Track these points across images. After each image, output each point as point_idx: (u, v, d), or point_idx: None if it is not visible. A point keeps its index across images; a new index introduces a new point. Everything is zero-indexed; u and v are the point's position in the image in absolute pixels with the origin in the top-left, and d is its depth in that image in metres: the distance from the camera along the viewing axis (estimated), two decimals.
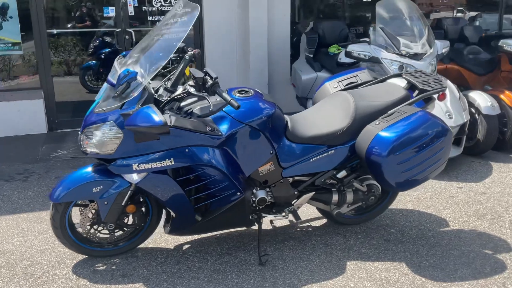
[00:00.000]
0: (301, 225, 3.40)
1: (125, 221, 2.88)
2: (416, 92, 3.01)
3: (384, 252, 3.04)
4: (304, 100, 5.92)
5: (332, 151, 2.91)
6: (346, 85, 3.28)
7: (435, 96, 3.10)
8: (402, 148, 2.68)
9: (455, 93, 4.52)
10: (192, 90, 2.53)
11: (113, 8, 6.16)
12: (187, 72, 2.87)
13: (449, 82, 4.68)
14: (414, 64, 4.59)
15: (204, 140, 2.51)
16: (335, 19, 7.55)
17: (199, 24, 6.43)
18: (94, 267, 2.88)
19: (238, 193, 2.69)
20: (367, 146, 2.74)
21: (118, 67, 2.60)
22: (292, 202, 2.99)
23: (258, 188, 2.87)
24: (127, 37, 6.20)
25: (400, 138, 2.68)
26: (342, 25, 6.27)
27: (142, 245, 3.09)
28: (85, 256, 2.96)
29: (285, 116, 2.96)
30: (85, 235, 2.87)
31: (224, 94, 2.48)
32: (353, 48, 4.76)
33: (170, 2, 6.34)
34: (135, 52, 2.70)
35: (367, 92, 3.08)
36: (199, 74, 2.52)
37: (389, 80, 3.26)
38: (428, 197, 3.89)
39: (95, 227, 2.84)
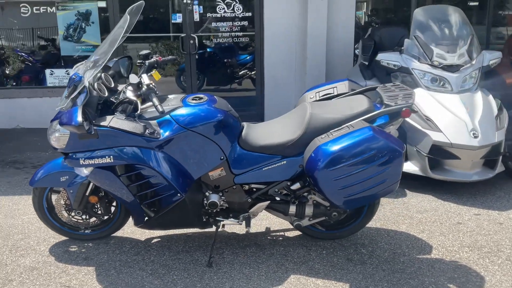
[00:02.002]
0: (273, 234, 3.39)
1: (95, 210, 3.18)
2: (383, 106, 2.83)
3: (337, 271, 2.91)
4: None
5: (285, 162, 2.88)
6: (322, 96, 3.19)
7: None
8: (338, 164, 2.56)
9: (491, 110, 4.06)
10: (128, 93, 2.73)
11: (180, 14, 6.61)
12: (156, 77, 3.07)
13: (490, 97, 4.21)
14: (447, 77, 4.23)
15: (139, 141, 2.69)
16: (397, 24, 7.14)
17: (260, 30, 6.60)
18: (68, 247, 3.23)
19: (178, 194, 2.81)
20: (308, 158, 2.67)
21: (73, 70, 2.90)
22: (247, 209, 3.02)
23: (211, 192, 2.97)
24: (191, 41, 6.60)
25: (337, 153, 2.56)
26: (403, 31, 5.91)
27: (119, 234, 3.38)
28: (67, 238, 3.33)
29: (244, 123, 3.00)
30: (63, 219, 3.23)
31: (154, 99, 2.63)
32: (382, 57, 4.53)
33: (233, 9, 6.61)
34: (93, 55, 2.97)
35: (332, 104, 2.98)
36: (134, 80, 2.71)
37: (367, 93, 3.09)
38: (431, 221, 3.58)
39: (69, 212, 3.19)
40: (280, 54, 6.58)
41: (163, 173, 2.76)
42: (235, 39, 6.83)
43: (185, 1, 6.49)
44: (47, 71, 6.82)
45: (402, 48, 4.62)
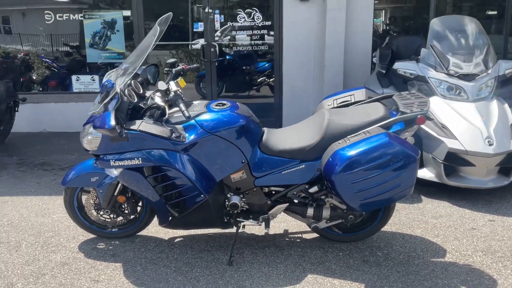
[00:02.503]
0: (291, 235, 3.52)
1: (122, 209, 3.35)
2: (398, 114, 2.95)
3: (353, 272, 3.02)
4: None
5: (303, 166, 3.01)
6: (340, 103, 3.32)
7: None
8: (355, 168, 2.69)
9: (506, 119, 4.13)
10: (156, 99, 2.90)
11: (202, 23, 6.81)
12: (181, 84, 3.24)
13: (506, 106, 4.29)
14: (463, 85, 4.32)
15: (166, 144, 2.85)
16: (414, 34, 7.22)
17: (278, 38, 6.76)
18: (96, 245, 3.41)
19: (202, 195, 2.96)
20: (325, 162, 2.80)
21: (105, 77, 3.08)
22: (267, 211, 3.15)
23: (232, 194, 3.11)
24: (212, 49, 6.79)
25: (354, 158, 2.69)
26: (420, 41, 6.01)
27: (144, 233, 3.55)
28: (95, 236, 3.51)
29: (264, 128, 3.15)
30: (92, 218, 3.41)
31: (181, 105, 2.80)
32: (399, 65, 4.64)
33: (253, 18, 6.78)
34: (123, 63, 3.15)
35: (349, 111, 3.11)
36: (162, 86, 2.89)
37: (384, 101, 3.22)
38: (446, 226, 3.67)
39: (97, 211, 3.36)
40: (299, 62, 6.72)
41: (187, 175, 2.92)
42: (254, 47, 7.00)
43: (206, 10, 6.68)
44: (73, 77, 7.08)
45: (419, 57, 4.72)
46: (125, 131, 2.77)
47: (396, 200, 2.93)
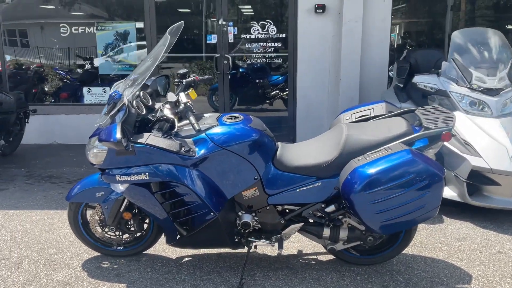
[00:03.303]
0: (306, 257, 3.33)
1: (128, 227, 3.19)
2: (422, 129, 2.77)
3: None
4: None
5: (319, 183, 2.84)
6: (358, 117, 3.15)
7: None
8: (376, 187, 2.50)
9: None
10: (166, 111, 2.76)
11: (215, 35, 6.71)
12: (192, 96, 3.11)
13: None
14: (487, 100, 4.13)
15: (175, 159, 2.70)
16: (432, 47, 7.04)
17: (293, 51, 6.63)
18: (100, 263, 3.25)
19: (212, 214, 2.80)
20: (344, 180, 2.62)
21: (113, 88, 2.95)
22: (280, 231, 2.97)
23: (244, 212, 2.94)
24: (225, 62, 6.68)
25: (374, 176, 2.51)
26: (439, 54, 5.83)
27: (151, 251, 3.38)
28: (99, 254, 3.35)
29: (279, 143, 2.98)
30: (97, 235, 3.26)
31: (191, 118, 2.65)
32: (419, 79, 4.46)
33: (267, 30, 6.67)
34: (132, 74, 3.02)
35: (369, 126, 2.93)
36: (172, 98, 2.74)
37: (405, 115, 3.04)
38: (470, 249, 3.45)
39: (102, 228, 3.21)
40: (313, 75, 6.58)
41: (197, 192, 2.76)
42: (268, 60, 6.87)
43: (220, 22, 6.59)
44: (85, 89, 7.02)
45: (440, 70, 4.54)
46: (132, 145, 2.63)
47: (419, 223, 2.73)
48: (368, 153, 2.67)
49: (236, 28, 6.68)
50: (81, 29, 6.97)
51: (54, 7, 7.10)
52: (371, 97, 6.47)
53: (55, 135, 6.88)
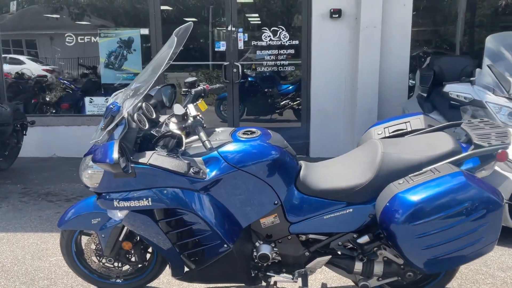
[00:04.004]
0: None
1: (129, 257, 2.79)
2: (472, 147, 2.35)
3: None
4: None
5: (351, 210, 2.42)
6: (392, 132, 2.74)
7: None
8: (424, 217, 2.09)
9: None
10: (171, 126, 2.36)
11: (224, 42, 6.34)
12: (202, 107, 2.71)
13: None
14: None
15: (182, 182, 2.30)
16: (459, 54, 6.63)
17: (307, 59, 6.25)
18: None
19: (225, 245, 2.39)
20: (382, 208, 2.21)
21: (111, 99, 2.56)
22: (304, 264, 2.56)
23: (262, 242, 2.53)
24: (234, 70, 6.30)
25: (422, 204, 2.09)
26: (466, 61, 5.43)
27: (154, 284, 2.98)
28: (96, 287, 2.95)
29: (302, 162, 2.58)
30: (93, 266, 2.86)
31: (201, 134, 2.25)
32: (451, 88, 4.06)
33: (279, 37, 6.29)
34: (133, 83, 2.63)
35: (408, 143, 2.52)
36: (179, 111, 2.34)
37: (446, 130, 2.63)
38: None
39: (99, 258, 2.81)
40: (328, 85, 6.19)
41: (208, 220, 2.35)
42: (280, 68, 6.49)
43: (229, 28, 6.22)
44: (87, 99, 6.66)
45: (473, 78, 4.13)
46: (132, 165, 2.24)
47: (473, 259, 2.30)
48: (410, 175, 2.25)
49: (246, 35, 6.31)
50: (87, 38, 6.62)
51: (58, 16, 6.79)
52: (391, 108, 6.07)
53: (55, 148, 6.51)
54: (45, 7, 6.79)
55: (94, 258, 2.82)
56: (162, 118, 2.68)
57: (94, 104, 6.64)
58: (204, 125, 2.42)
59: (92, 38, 6.57)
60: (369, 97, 5.95)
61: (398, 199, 2.15)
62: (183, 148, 2.33)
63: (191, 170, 2.32)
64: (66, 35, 6.62)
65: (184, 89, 2.72)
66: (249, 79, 7.01)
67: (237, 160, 2.37)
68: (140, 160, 2.27)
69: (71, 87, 7.13)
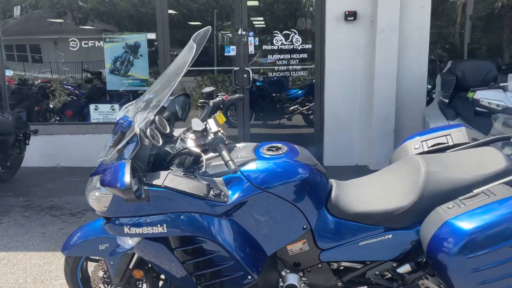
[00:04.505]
0: None
1: (139, 285, 2.53)
2: None
3: None
4: None
5: (390, 236, 2.16)
6: (432, 146, 2.48)
7: None
8: (481, 249, 1.82)
9: None
10: (189, 143, 2.10)
11: (234, 47, 6.09)
12: (220, 120, 2.46)
13: None
14: None
15: (201, 206, 2.04)
16: (482, 58, 6.36)
17: (320, 63, 5.99)
18: None
19: (249, 277, 2.13)
20: (430, 236, 1.94)
21: (121, 112, 2.31)
22: None
23: (289, 271, 2.27)
24: (245, 76, 6.06)
25: (479, 233, 1.83)
26: (490, 66, 5.18)
27: None
28: None
29: (332, 181, 2.32)
30: None
31: (224, 153, 1.99)
32: (482, 95, 3.80)
33: (291, 40, 6.04)
34: (146, 94, 2.38)
35: (452, 159, 2.25)
36: (198, 126, 2.08)
37: (492, 145, 2.36)
38: None
39: (107, 286, 2.55)
40: (343, 90, 5.93)
41: (230, 249, 2.10)
42: (292, 73, 6.24)
43: (239, 32, 5.98)
44: (91, 106, 6.42)
45: (504, 84, 3.86)
46: (145, 188, 1.99)
47: None
48: (460, 198, 1.99)
49: (257, 39, 6.06)
50: (91, 43, 6.38)
51: (62, 20, 6.56)
52: (409, 115, 5.82)
53: (59, 157, 6.26)
54: (49, 12, 6.56)
55: (101, 286, 2.57)
56: (177, 132, 2.43)
57: (99, 112, 6.39)
58: (226, 142, 2.16)
59: (96, 42, 6.34)
60: (386, 103, 5.69)
61: (449, 226, 1.88)
62: (203, 169, 2.06)
63: (211, 192, 2.06)
64: (70, 39, 6.39)
65: (201, 101, 2.47)
66: (257, 83, 6.78)
67: (262, 181, 2.12)
68: (154, 182, 2.02)
69: (75, 93, 6.90)
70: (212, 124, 2.12)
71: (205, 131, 2.10)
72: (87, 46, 6.40)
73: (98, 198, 2.16)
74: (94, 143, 5.96)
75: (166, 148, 2.23)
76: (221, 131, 2.12)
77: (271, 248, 2.19)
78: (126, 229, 2.11)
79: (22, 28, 6.79)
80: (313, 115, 6.78)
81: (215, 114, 2.45)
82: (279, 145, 2.29)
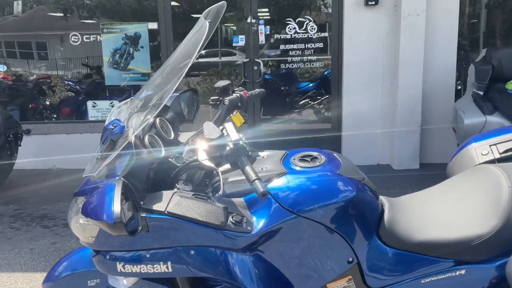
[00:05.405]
0: None
1: None
2: None
3: None
4: None
5: (463, 272, 1.66)
6: (504, 152, 1.96)
7: None
8: None
9: None
10: (201, 155, 1.58)
11: (243, 36, 5.57)
12: (236, 122, 1.96)
13: None
14: None
15: (217, 239, 1.54)
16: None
17: (337, 53, 5.47)
18: None
19: None
20: None
21: (111, 114, 1.81)
22: None
23: None
24: (255, 67, 5.55)
25: None
26: None
27: None
28: None
29: (383, 199, 1.82)
30: None
31: (248, 169, 1.48)
32: None
33: (306, 29, 5.52)
34: (142, 90, 1.87)
35: None
36: (213, 133, 1.57)
37: None
38: None
39: None
40: (363, 82, 5.41)
41: None
42: (307, 64, 5.72)
43: (249, 20, 5.46)
44: (89, 103, 5.92)
45: None
46: (143, 215, 1.49)
47: None
48: None
49: (268, 27, 5.54)
50: (93, 37, 5.88)
51: (62, 14, 6.08)
52: (437, 108, 5.30)
53: (55, 159, 5.78)
54: (50, 7, 6.09)
55: None
56: (183, 138, 1.93)
57: (97, 109, 5.90)
58: (250, 153, 1.64)
59: (98, 37, 5.83)
60: (412, 95, 5.17)
61: None
62: (220, 192, 1.55)
63: (230, 219, 1.56)
64: (71, 34, 5.90)
65: (213, 98, 1.97)
66: (266, 76, 6.29)
67: (295, 202, 1.61)
68: (155, 207, 1.52)
69: (75, 88, 6.44)
70: (231, 130, 1.60)
71: (221, 139, 1.59)
72: (88, 41, 5.90)
73: (83, 226, 1.67)
74: (93, 143, 5.44)
75: (170, 160, 1.72)
76: (244, 141, 1.60)
77: None
78: (119, 267, 1.61)
79: (21, 25, 6.35)
80: (325, 110, 6.31)
81: (231, 115, 1.94)
82: (315, 153, 1.78)
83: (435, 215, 1.75)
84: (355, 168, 1.80)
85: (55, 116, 6.46)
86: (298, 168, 1.70)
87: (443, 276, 1.68)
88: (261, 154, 1.85)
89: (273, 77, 6.41)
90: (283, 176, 1.67)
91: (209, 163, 1.56)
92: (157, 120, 1.77)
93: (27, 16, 6.41)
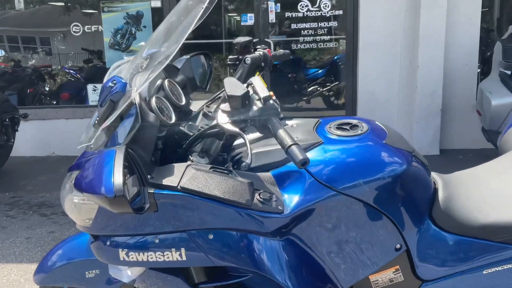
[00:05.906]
0: None
1: None
2: None
3: None
4: (495, 135, 4.14)
5: None
6: None
7: None
8: None
9: None
10: (221, 118, 1.29)
11: (252, 15, 5.27)
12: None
13: None
14: None
15: (242, 220, 1.26)
16: None
17: (353, 33, 5.16)
18: None
19: None
20: None
21: (110, 72, 1.53)
22: None
23: None
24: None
25: None
26: None
27: None
28: None
29: (435, 176, 1.53)
30: None
31: (282, 132, 1.20)
32: None
33: (319, 6, 5.21)
34: (145, 47, 1.59)
35: None
36: (236, 89, 1.28)
37: None
38: None
39: None
40: (379, 63, 5.12)
41: (286, 286, 1.32)
42: (320, 44, 5.42)
43: None
44: (89, 87, 5.65)
45: None
46: (151, 191, 1.21)
47: None
48: None
49: (278, 5, 5.23)
50: (94, 28, 5.58)
51: (62, 3, 5.81)
52: (459, 91, 5.00)
53: (54, 145, 5.50)
54: None
55: None
56: (195, 107, 1.64)
57: (98, 93, 5.60)
58: (282, 116, 1.35)
59: (100, 27, 5.54)
60: (432, 77, 4.86)
61: None
62: (248, 161, 1.27)
63: (257, 196, 1.27)
64: (72, 25, 5.61)
65: (231, 57, 1.68)
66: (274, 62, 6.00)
67: (335, 177, 1.33)
68: (165, 182, 1.23)
69: (76, 77, 6.18)
70: (259, 85, 1.31)
71: (247, 97, 1.29)
72: (90, 31, 5.61)
73: (79, 206, 1.39)
74: None
75: (181, 128, 1.44)
76: (274, 98, 1.31)
77: (348, 280, 1.40)
78: (122, 254, 1.34)
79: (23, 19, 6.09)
80: (338, 94, 6.05)
81: (252, 77, 1.66)
82: (354, 121, 1.49)
83: (499, 193, 1.47)
84: (403, 138, 1.52)
85: (54, 102, 6.21)
86: (336, 137, 1.41)
87: (510, 266, 1.40)
88: (289, 122, 1.56)
89: (281, 64, 6.12)
90: (318, 147, 1.38)
91: (232, 127, 1.27)
92: (166, 81, 1.49)
93: (27, 11, 6.17)
